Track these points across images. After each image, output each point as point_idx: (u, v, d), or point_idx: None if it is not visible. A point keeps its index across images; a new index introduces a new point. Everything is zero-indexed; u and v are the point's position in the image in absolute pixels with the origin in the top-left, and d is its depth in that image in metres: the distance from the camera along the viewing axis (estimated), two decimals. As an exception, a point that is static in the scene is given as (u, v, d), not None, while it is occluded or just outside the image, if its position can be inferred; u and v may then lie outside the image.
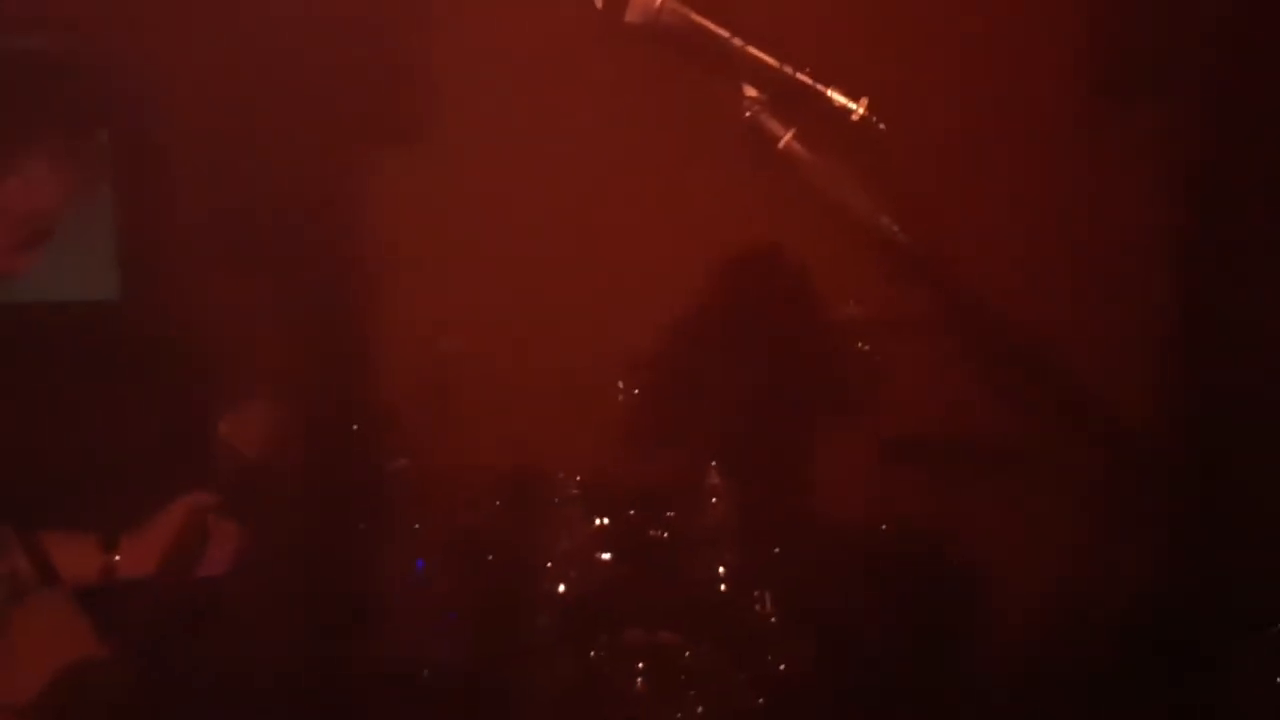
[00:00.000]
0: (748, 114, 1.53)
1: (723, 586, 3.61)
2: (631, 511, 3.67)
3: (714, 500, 3.63)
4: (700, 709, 3.41)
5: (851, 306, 3.89)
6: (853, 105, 1.45)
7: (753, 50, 1.47)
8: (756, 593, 3.61)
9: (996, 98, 4.04)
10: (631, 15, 1.60)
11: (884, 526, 3.74)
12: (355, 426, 3.99)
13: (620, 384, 3.83)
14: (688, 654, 3.47)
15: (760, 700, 3.47)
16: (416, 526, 3.90)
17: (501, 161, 4.24)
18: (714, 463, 3.65)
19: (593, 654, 3.45)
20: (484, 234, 4.26)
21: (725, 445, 3.72)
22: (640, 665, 3.45)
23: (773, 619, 3.62)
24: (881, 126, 1.45)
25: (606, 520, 3.67)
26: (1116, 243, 4.10)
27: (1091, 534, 4.02)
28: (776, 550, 3.63)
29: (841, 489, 3.91)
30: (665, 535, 3.65)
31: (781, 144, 1.50)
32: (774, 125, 1.51)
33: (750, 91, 1.52)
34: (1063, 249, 4.07)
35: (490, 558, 3.76)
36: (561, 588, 3.64)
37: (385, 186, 4.34)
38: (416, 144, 4.42)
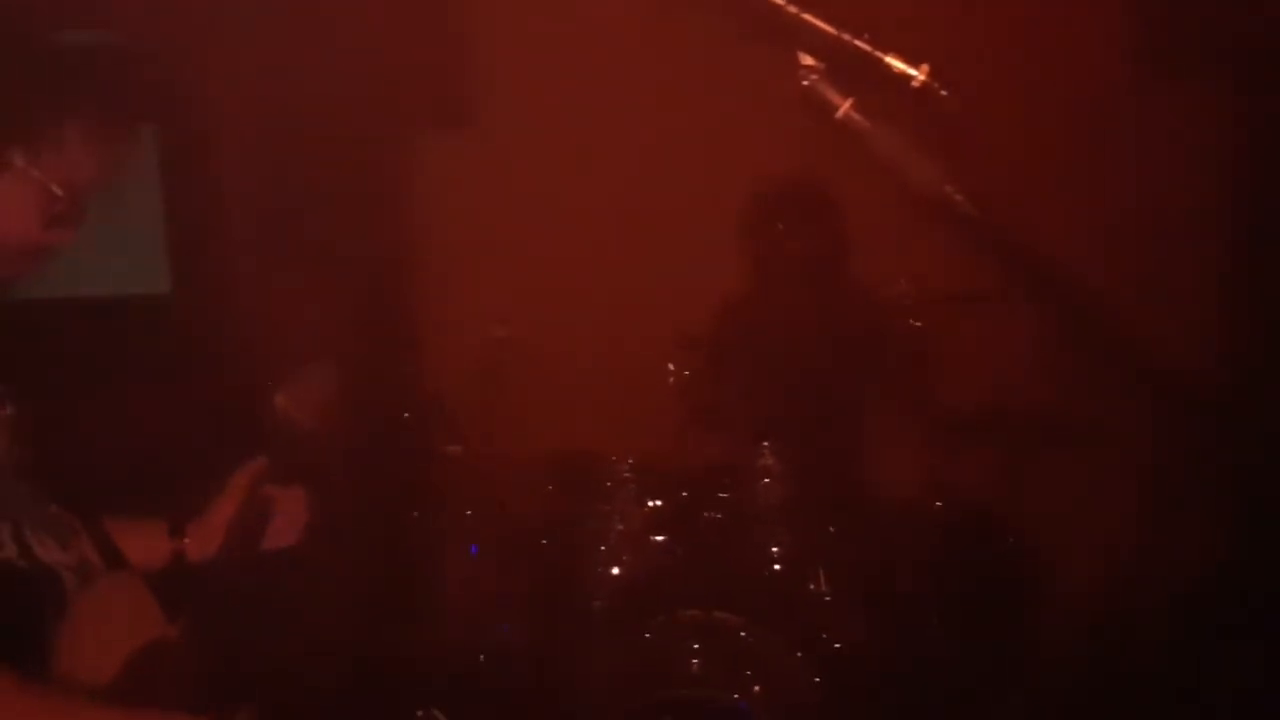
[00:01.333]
0: (804, 83, 1.50)
1: (777, 566, 3.59)
2: (685, 493, 3.66)
3: (767, 480, 3.61)
4: (757, 688, 3.39)
5: (903, 283, 3.86)
6: (913, 71, 1.43)
7: (808, 17, 1.44)
8: (811, 571, 3.59)
9: (1047, 68, 4.00)
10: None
11: (939, 504, 3.70)
12: (407, 414, 4.01)
13: (671, 366, 3.81)
14: (743, 634, 3.44)
15: (816, 679, 3.44)
16: (469, 513, 3.91)
17: (551, 144, 4.24)
18: (766, 443, 3.62)
19: (648, 635, 3.44)
20: (534, 218, 4.27)
21: (777, 425, 3.69)
22: (696, 645, 3.43)
23: (828, 598, 3.59)
24: (944, 93, 1.42)
25: (659, 502, 3.66)
26: (1173, 213, 4.05)
27: (1151, 509, 3.98)
28: (831, 529, 3.60)
29: (895, 466, 3.89)
30: (719, 516, 3.63)
31: (840, 113, 1.48)
32: (832, 94, 1.48)
33: (807, 60, 1.49)
34: (1117, 220, 4.02)
35: (544, 542, 3.77)
36: (615, 570, 3.64)
37: (435, 173, 4.35)
38: (465, 130, 4.44)
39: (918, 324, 3.78)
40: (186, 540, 2.09)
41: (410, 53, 4.14)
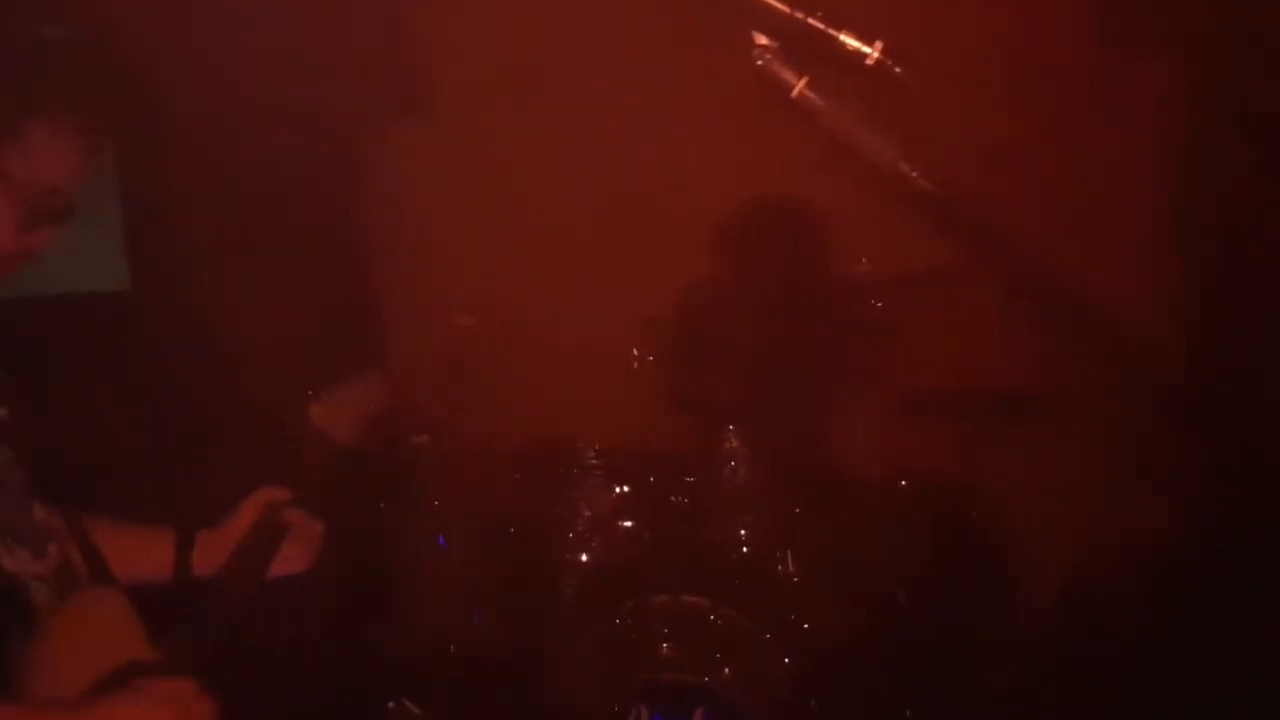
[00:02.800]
0: (759, 63, 1.49)
1: (745, 549, 3.60)
2: (652, 478, 3.66)
3: (733, 464, 3.62)
4: (727, 670, 3.39)
5: (864, 264, 3.87)
6: (867, 49, 1.43)
7: (761, -5, 1.44)
8: (779, 554, 3.60)
9: (1008, 48, 4.02)
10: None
11: (904, 483, 3.71)
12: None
13: (636, 351, 3.81)
14: (713, 617, 3.44)
15: (786, 660, 3.45)
16: (437, 503, 3.90)
17: (510, 132, 4.22)
18: (732, 426, 3.63)
19: (618, 620, 3.44)
20: (497, 208, 4.25)
21: (743, 408, 3.70)
22: (666, 630, 3.43)
23: (796, 579, 3.60)
24: (898, 71, 1.42)
25: (627, 488, 3.66)
26: (1131, 190, 4.08)
27: (1118, 483, 4.01)
28: (798, 511, 3.61)
29: (861, 447, 3.90)
30: (686, 501, 3.64)
31: (794, 93, 1.48)
32: (786, 73, 1.48)
33: (760, 39, 1.49)
34: (1076, 197, 4.04)
35: (512, 530, 3.77)
36: (584, 556, 3.64)
37: (397, 165, 4.33)
38: (426, 120, 4.41)
39: (879, 304, 3.80)
40: (195, 552, 2.01)
41: (369, 43, 4.11)
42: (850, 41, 1.44)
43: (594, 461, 3.66)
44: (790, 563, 3.59)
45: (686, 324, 3.98)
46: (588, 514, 3.63)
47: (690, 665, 3.37)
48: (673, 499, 3.63)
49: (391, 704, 3.60)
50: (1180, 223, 4.09)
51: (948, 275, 3.77)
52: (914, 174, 1.52)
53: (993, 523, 3.76)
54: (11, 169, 1.69)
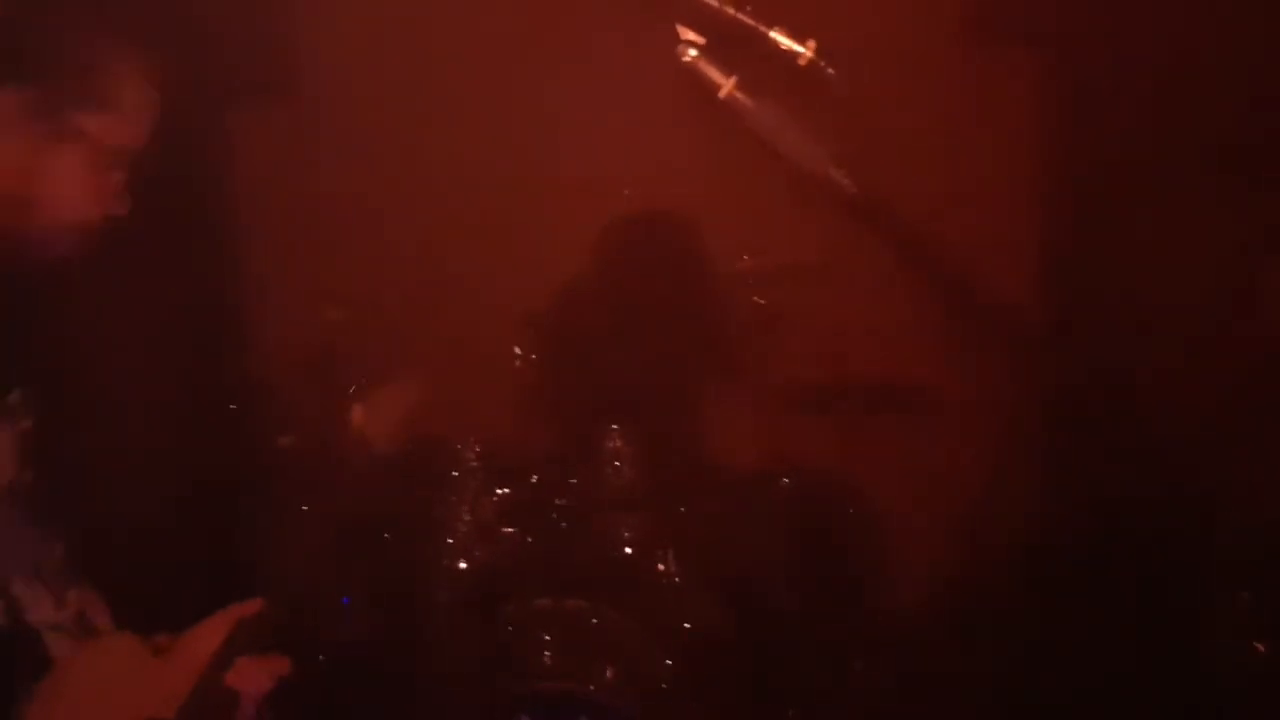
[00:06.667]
0: (684, 60, 1.42)
1: (628, 550, 3.55)
2: (534, 479, 3.58)
3: (616, 463, 3.56)
4: (609, 673, 3.34)
5: (746, 259, 3.85)
6: (800, 49, 1.36)
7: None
8: (660, 553, 3.56)
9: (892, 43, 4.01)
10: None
11: (786, 480, 3.71)
12: (233, 405, 3.81)
13: (516, 349, 3.72)
14: (594, 620, 3.39)
15: (669, 661, 3.40)
16: (305, 507, 3.74)
17: (384, 114, 4.06)
18: (615, 425, 3.57)
19: (499, 626, 3.36)
20: (366, 194, 4.10)
21: (625, 406, 3.65)
22: (547, 635, 3.37)
23: (677, 579, 3.57)
24: (830, 71, 1.36)
25: (507, 490, 3.57)
26: (1005, 184, 4.12)
27: (992, 472, 4.07)
28: (682, 510, 3.57)
29: (742, 443, 3.89)
30: (565, 503, 3.57)
31: (723, 93, 1.41)
32: (713, 72, 1.41)
33: (687, 34, 1.42)
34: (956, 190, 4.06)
35: (386, 535, 3.64)
36: (463, 563, 3.54)
37: (255, 148, 4.13)
38: (284, 100, 4.22)
39: (761, 300, 3.79)
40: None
41: (217, 23, 3.90)
42: (783, 40, 1.38)
43: (474, 463, 3.55)
44: (671, 562, 3.56)
45: (568, 321, 3.90)
46: (468, 517, 3.52)
47: (572, 669, 3.32)
48: (555, 500, 3.56)
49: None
50: (1049, 209, 4.15)
51: (827, 268, 3.79)
52: (844, 178, 1.47)
53: (873, 517, 3.79)
54: (88, 127, 1.54)
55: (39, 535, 1.58)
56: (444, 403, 3.74)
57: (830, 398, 3.88)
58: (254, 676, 1.73)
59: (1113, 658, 3.45)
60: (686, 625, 3.51)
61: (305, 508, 3.72)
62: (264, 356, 3.98)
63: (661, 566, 3.57)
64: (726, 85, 1.37)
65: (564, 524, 3.55)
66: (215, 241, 4.02)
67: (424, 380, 2.01)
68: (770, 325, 3.85)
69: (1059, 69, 4.08)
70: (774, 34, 1.38)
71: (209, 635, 1.68)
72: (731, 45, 1.37)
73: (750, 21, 1.39)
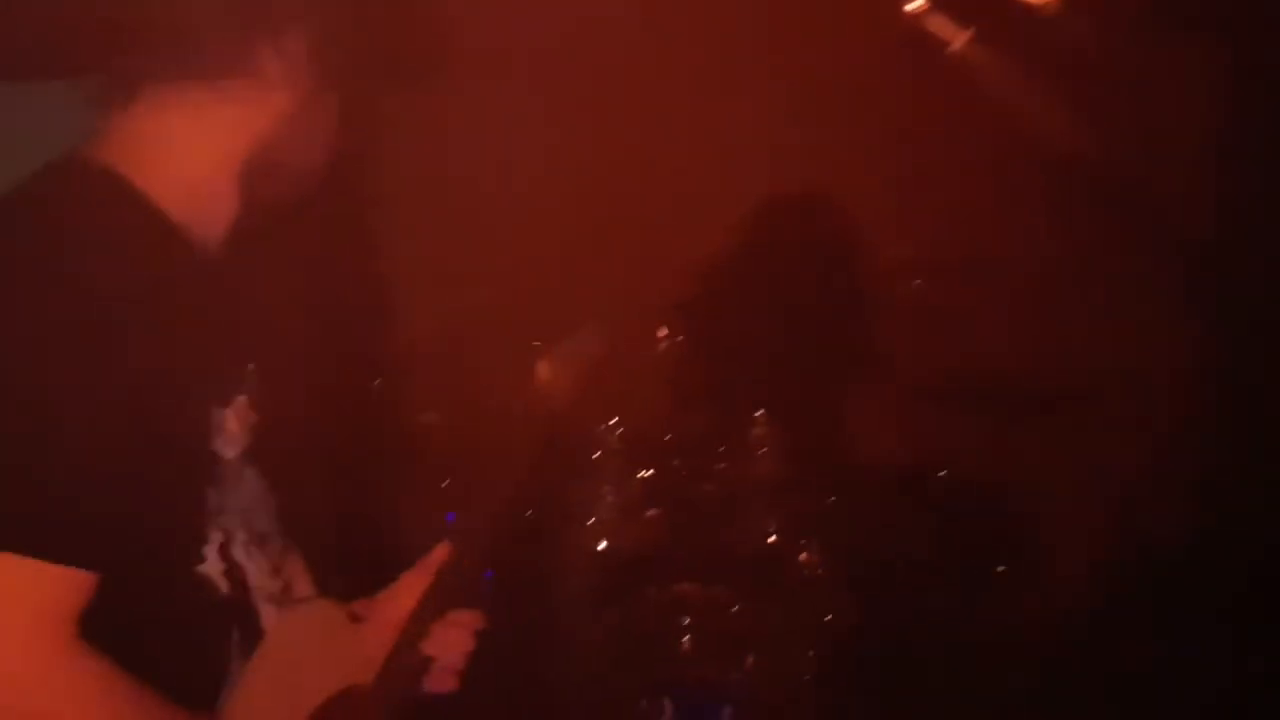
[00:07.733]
0: (907, 9, 1.36)
1: (772, 539, 3.49)
2: (676, 463, 3.53)
3: (762, 450, 3.50)
4: (750, 662, 3.30)
5: (898, 249, 3.78)
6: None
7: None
8: (804, 544, 3.50)
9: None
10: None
11: (940, 475, 3.62)
12: (377, 382, 3.81)
13: (661, 332, 3.67)
14: (736, 608, 3.34)
15: (810, 653, 3.35)
16: (446, 483, 3.74)
17: (526, 101, 4.04)
18: (760, 412, 3.51)
19: (638, 611, 3.32)
20: (512, 179, 4.08)
21: (772, 393, 3.59)
22: (687, 621, 3.33)
23: (820, 570, 3.51)
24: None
25: (651, 472, 3.53)
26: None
27: (1146, 476, 3.95)
28: (831, 500, 3.51)
29: (893, 437, 3.81)
30: (712, 488, 3.52)
31: (955, 47, 1.34)
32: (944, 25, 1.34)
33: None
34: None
35: (529, 514, 3.62)
36: (604, 544, 3.51)
37: (401, 135, 4.13)
38: (430, 87, 4.21)
39: (918, 282, 3.70)
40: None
41: (365, 8, 3.89)
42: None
43: (617, 446, 3.51)
44: (815, 554, 3.50)
45: (715, 306, 3.85)
46: (610, 499, 3.49)
47: (711, 658, 3.28)
48: (699, 486, 3.51)
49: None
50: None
51: (983, 263, 3.70)
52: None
53: (1023, 516, 3.69)
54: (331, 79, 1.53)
55: (266, 505, 1.56)
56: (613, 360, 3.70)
57: (983, 395, 3.78)
58: (454, 639, 1.69)
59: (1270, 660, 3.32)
60: (828, 618, 3.45)
61: (445, 484, 3.74)
62: (409, 335, 3.98)
63: (804, 557, 3.50)
64: (959, 39, 1.29)
65: (708, 510, 3.50)
66: (359, 224, 4.04)
67: (601, 333, 1.92)
68: (923, 317, 3.77)
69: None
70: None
71: (403, 597, 1.65)
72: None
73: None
